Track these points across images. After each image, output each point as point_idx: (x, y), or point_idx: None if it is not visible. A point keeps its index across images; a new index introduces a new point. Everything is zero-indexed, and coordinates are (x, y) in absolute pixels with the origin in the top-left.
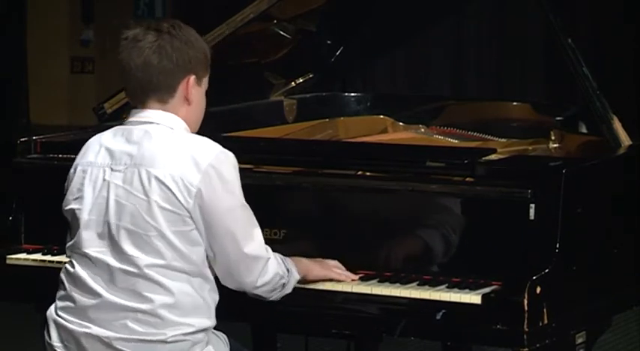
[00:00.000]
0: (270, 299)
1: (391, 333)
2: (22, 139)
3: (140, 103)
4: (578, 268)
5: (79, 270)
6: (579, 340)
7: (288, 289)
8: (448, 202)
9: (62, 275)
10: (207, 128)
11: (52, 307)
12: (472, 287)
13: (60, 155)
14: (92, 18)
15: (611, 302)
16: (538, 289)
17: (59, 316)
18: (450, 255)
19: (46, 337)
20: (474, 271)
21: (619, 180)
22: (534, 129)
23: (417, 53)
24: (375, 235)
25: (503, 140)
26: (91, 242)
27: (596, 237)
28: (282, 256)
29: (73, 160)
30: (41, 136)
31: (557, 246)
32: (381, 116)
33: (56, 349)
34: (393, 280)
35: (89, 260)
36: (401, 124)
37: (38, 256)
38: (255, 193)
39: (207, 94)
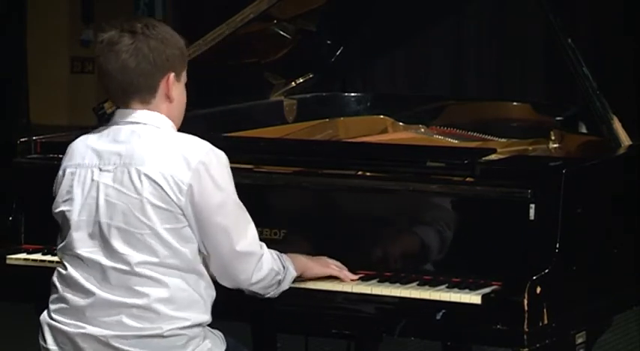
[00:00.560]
0: (267, 296)
1: (391, 333)
2: (22, 139)
3: (123, 104)
4: (578, 268)
5: (72, 271)
6: (579, 340)
7: (285, 286)
8: (448, 202)
9: (54, 278)
10: (207, 128)
11: (45, 312)
12: (472, 287)
13: (60, 155)
14: (92, 18)
15: (611, 302)
16: (538, 289)
17: (53, 319)
18: (450, 255)
19: (41, 341)
20: (474, 271)
21: (619, 180)
22: (534, 129)
23: (417, 53)
24: (375, 235)
25: (503, 140)
26: (82, 243)
27: (596, 237)
28: (278, 253)
29: None
30: (41, 136)
31: (557, 246)
32: (381, 116)
33: None
34: (393, 280)
35: (81, 261)
36: (401, 124)
37: (38, 256)
38: (256, 193)
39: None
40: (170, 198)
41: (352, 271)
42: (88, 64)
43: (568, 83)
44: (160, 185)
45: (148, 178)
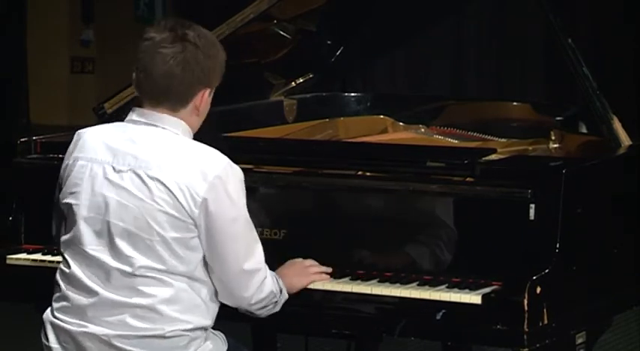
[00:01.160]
0: (260, 316)
1: (391, 333)
2: (22, 139)
3: (149, 104)
4: (578, 268)
5: (75, 269)
6: (579, 340)
7: (278, 308)
8: (448, 202)
9: (57, 276)
10: (207, 128)
11: (49, 310)
12: (472, 287)
13: (60, 155)
14: (92, 18)
15: (611, 302)
16: (538, 289)
17: (56, 317)
18: (450, 255)
19: (44, 339)
20: (474, 271)
21: (619, 180)
22: (534, 129)
23: (417, 53)
24: (375, 235)
25: (503, 140)
26: (89, 239)
27: (596, 237)
28: (275, 275)
29: None
30: (41, 136)
31: (557, 246)
32: (381, 116)
33: (54, 350)
34: (393, 280)
35: (85, 258)
36: (401, 124)
37: (38, 256)
38: (256, 193)
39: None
40: (184, 208)
41: (352, 271)
42: (88, 64)
43: (568, 83)
44: (174, 195)
45: (164, 185)
